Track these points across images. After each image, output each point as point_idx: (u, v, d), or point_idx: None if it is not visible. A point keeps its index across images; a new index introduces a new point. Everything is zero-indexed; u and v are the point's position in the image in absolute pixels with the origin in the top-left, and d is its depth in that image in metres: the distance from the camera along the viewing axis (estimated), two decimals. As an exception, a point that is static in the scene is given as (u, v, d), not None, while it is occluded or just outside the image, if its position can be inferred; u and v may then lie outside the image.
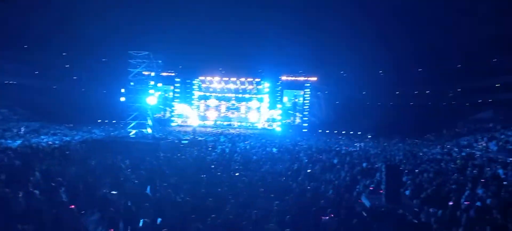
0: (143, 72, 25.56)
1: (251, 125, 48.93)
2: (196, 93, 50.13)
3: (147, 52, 25.22)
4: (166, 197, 10.02)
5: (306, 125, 47.36)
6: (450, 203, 10.81)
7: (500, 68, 42.00)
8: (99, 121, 44.20)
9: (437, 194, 11.77)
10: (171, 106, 49.70)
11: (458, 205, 10.75)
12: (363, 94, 53.24)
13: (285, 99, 49.62)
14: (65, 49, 49.24)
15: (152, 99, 25.28)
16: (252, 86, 49.27)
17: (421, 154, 25.53)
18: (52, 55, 47.81)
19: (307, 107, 48.05)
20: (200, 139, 28.07)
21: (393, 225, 8.45)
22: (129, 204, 9.25)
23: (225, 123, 49.04)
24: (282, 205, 9.45)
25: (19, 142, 22.99)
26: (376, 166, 17.21)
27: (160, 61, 26.39)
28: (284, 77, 48.64)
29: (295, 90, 49.36)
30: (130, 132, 25.57)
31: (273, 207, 9.27)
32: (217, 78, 48.68)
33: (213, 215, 8.27)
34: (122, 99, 26.33)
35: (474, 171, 17.14)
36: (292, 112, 49.46)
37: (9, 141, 22.95)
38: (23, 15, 41.65)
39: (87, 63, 49.01)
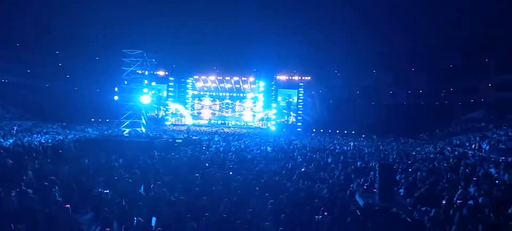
0: (137, 71, 25.40)
1: (245, 124, 48.94)
2: (190, 92, 50.02)
3: (141, 51, 25.07)
4: (160, 196, 9.98)
5: (300, 124, 47.45)
6: (443, 202, 10.89)
7: (491, 68, 42.42)
8: (92, 119, 43.94)
9: (430, 193, 11.85)
10: (165, 105, 49.54)
11: (451, 203, 10.83)
12: (357, 94, 53.47)
13: (279, 98, 49.70)
14: (58, 47, 48.83)
15: (146, 98, 25.13)
16: (247, 86, 49.27)
17: (414, 153, 25.69)
18: (44, 54, 47.39)
19: (301, 106, 48.14)
20: (194, 137, 27.98)
21: (387, 224, 8.49)
22: (123, 203, 9.20)
23: (220, 122, 49.00)
24: (276, 204, 9.46)
25: (11, 140, 22.78)
26: (370, 165, 17.29)
27: (154, 60, 26.23)
28: (278, 77, 48.70)
29: (289, 90, 49.46)
30: (124, 130, 25.42)
31: (267, 206, 9.28)
32: (211, 77, 48.61)
33: (206, 214, 8.26)
34: (116, 98, 26.17)
35: (467, 170, 17.28)
36: (286, 111, 49.55)
37: (1, 140, 22.72)
38: (15, 13, 41.23)
39: (80, 61, 48.64)
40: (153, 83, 28.35)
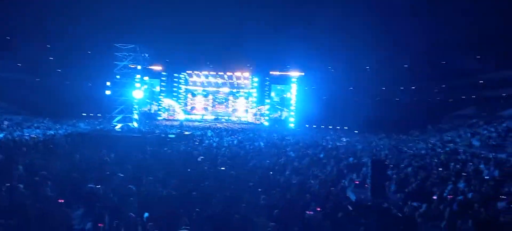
0: (130, 66, 25.24)
1: (238, 119, 48.93)
2: (184, 88, 49.84)
3: (133, 45, 24.91)
4: (152, 191, 9.96)
5: (293, 120, 47.55)
6: (434, 197, 11.02)
7: (483, 65, 42.82)
8: (84, 114, 43.58)
9: (421, 189, 11.98)
10: (158, 100, 49.32)
11: (442, 199, 10.96)
12: (350, 90, 53.66)
13: (273, 94, 49.74)
14: (49, 41, 48.23)
15: (138, 93, 25.02)
16: (240, 81, 49.21)
17: (406, 149, 25.90)
18: (35, 48, 46.74)
19: (294, 102, 48.20)
20: (187, 133, 27.91)
21: (378, 219, 8.57)
22: (115, 198, 9.16)
23: (213, 117, 48.91)
24: (269, 199, 9.49)
25: (1, 135, 22.51)
26: (362, 160, 17.41)
27: (146, 55, 26.09)
28: (272, 72, 48.71)
29: (283, 86, 49.50)
30: (116, 125, 25.27)
31: (260, 201, 9.30)
32: (205, 73, 48.44)
33: (197, 209, 8.26)
34: (108, 92, 26.02)
35: (457, 166, 17.49)
36: (280, 107, 49.62)
37: (-9, 135, 22.45)
38: (5, 6, 40.59)
39: (71, 56, 48.10)
40: (146, 78, 28.19)
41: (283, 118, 49.19)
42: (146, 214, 8.50)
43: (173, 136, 25.04)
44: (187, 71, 48.86)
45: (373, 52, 45.92)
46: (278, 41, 45.97)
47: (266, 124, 46.84)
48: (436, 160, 19.78)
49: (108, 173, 11.79)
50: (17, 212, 7.83)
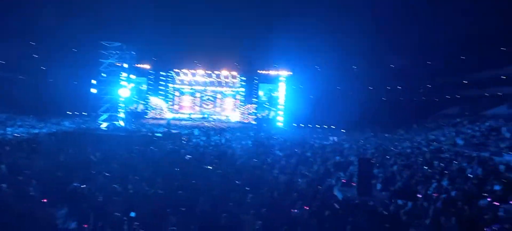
0: (116, 64, 24.93)
1: (226, 118, 48.79)
2: (171, 86, 49.48)
3: (119, 43, 24.61)
4: (139, 190, 9.87)
5: (281, 119, 47.65)
6: (419, 195, 11.18)
7: (466, 66, 43.62)
8: (69, 113, 42.91)
9: (406, 187, 12.13)
10: (144, 99, 48.86)
11: (426, 197, 11.13)
12: (337, 89, 54.02)
13: (260, 93, 49.75)
14: (33, 38, 47.30)
15: (124, 91, 24.74)
16: (228, 80, 49.09)
17: (392, 148, 26.19)
18: (19, 45, 45.79)
19: (282, 101, 48.28)
20: (174, 132, 27.74)
21: (364, 217, 8.65)
22: (100, 198, 9.05)
23: (200, 116, 48.67)
24: (256, 198, 9.49)
25: (-17, 134, 22.04)
26: (349, 159, 17.55)
27: (133, 53, 25.80)
28: (260, 71, 48.70)
29: (270, 84, 49.55)
30: (101, 124, 24.94)
31: (247, 200, 9.30)
32: (192, 71, 48.17)
33: (183, 209, 8.21)
34: (93, 91, 25.65)
35: (442, 164, 17.76)
36: (267, 106, 49.67)
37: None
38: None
39: (56, 53, 47.25)
40: (132, 77, 27.87)
41: (271, 117, 49.23)
42: (132, 214, 8.42)
43: (160, 135, 24.87)
44: (175, 70, 48.50)
45: (360, 52, 46.37)
46: (266, 40, 46.00)
47: (254, 122, 46.84)
48: (421, 159, 20.04)
49: (93, 172, 11.65)
50: (0, 211, 7.67)
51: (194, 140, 23.84)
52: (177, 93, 49.96)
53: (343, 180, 12.78)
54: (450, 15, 37.21)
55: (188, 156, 16.49)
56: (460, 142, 28.24)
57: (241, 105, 49.13)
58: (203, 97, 49.86)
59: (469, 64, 43.03)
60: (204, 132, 30.20)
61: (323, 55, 48.75)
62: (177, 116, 48.51)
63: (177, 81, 49.72)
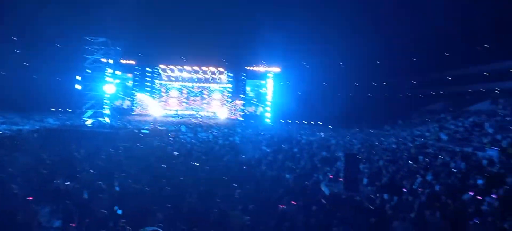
0: (101, 60, 24.52)
1: (213, 115, 48.62)
2: (157, 82, 49.04)
3: (104, 39, 24.20)
4: (125, 187, 9.76)
5: (269, 115, 47.72)
6: (404, 190, 11.33)
7: (450, 62, 44.35)
8: (53, 109, 42.17)
9: (392, 182, 12.29)
10: (130, 95, 48.32)
11: (411, 191, 11.29)
12: (324, 86, 54.33)
13: (248, 89, 49.69)
14: (15, 33, 46.24)
15: (110, 87, 24.37)
16: (215, 76, 48.88)
17: (377, 143, 26.50)
18: (0, 40, 44.71)
19: (270, 97, 48.33)
20: (161, 128, 27.51)
21: (351, 212, 8.73)
22: (85, 195, 8.92)
23: (187, 113, 48.38)
24: (243, 193, 9.48)
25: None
26: (336, 155, 17.69)
27: (118, 48, 25.41)
28: (247, 67, 48.62)
29: (258, 81, 49.51)
30: (86, 121, 24.55)
31: (235, 196, 9.29)
32: (179, 67, 47.78)
33: (168, 205, 8.16)
34: (78, 87, 25.20)
35: (426, 160, 18.05)
36: (255, 102, 49.66)
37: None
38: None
39: (39, 48, 46.29)
40: (118, 72, 27.48)
41: (258, 113, 49.26)
42: (119, 211, 8.33)
43: (146, 131, 24.62)
44: (161, 66, 48.04)
45: (346, 49, 46.67)
46: (254, 36, 45.88)
47: (241, 119, 46.81)
48: (406, 154, 20.34)
49: (78, 169, 11.48)
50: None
51: (181, 137, 23.68)
52: (163, 89, 49.56)
53: (330, 176, 12.87)
54: (434, 13, 37.69)
55: (175, 152, 16.40)
56: (444, 137, 28.75)
57: (229, 101, 48.99)
58: (190, 94, 49.56)
59: (453, 61, 43.75)
60: (191, 129, 30.05)
61: (310, 52, 48.89)
62: (163, 112, 48.15)
63: (164, 78, 49.32)
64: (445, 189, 11.47)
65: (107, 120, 24.94)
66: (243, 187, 10.09)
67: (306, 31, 44.46)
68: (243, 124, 41.87)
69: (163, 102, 49.47)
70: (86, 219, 7.83)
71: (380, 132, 37.92)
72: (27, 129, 24.18)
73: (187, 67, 47.71)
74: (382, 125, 42.03)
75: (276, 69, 48.39)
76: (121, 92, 46.36)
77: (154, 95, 48.72)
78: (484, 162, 17.67)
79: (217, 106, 49.40)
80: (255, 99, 49.74)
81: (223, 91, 49.49)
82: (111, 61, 24.88)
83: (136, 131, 24.29)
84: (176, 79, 49.32)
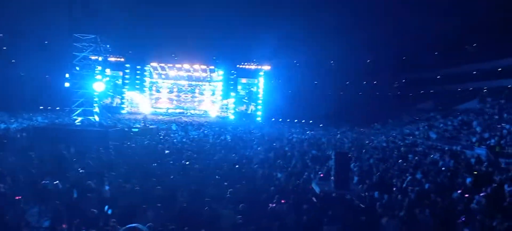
0: (90, 57, 24.22)
1: (204, 113, 48.45)
2: (148, 80, 48.66)
3: (94, 36, 23.89)
4: (115, 186, 9.69)
5: (259, 113, 47.73)
6: (394, 188, 11.43)
7: (440, 61, 44.87)
8: (41, 107, 41.60)
9: (382, 180, 12.38)
10: (120, 93, 47.87)
11: (401, 189, 11.39)
12: (315, 84, 54.54)
13: (239, 87, 49.59)
14: (2, 30, 45.48)
15: (99, 85, 24.08)
16: (206, 74, 48.69)
17: (367, 141, 26.66)
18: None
19: (260, 96, 48.33)
20: (151, 127, 27.34)
21: (341, 210, 8.77)
22: (74, 195, 8.83)
23: (178, 111, 48.13)
24: (234, 192, 9.48)
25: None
26: (327, 153, 17.75)
27: (108, 46, 25.12)
28: (238, 66, 48.54)
29: (249, 79, 49.45)
30: (76, 119, 24.26)
31: (226, 195, 9.27)
32: (169, 65, 47.44)
33: (159, 204, 8.12)
34: (67, 85, 24.87)
35: (416, 158, 18.21)
36: (246, 100, 49.59)
37: None
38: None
39: (27, 45, 45.57)
40: (108, 70, 27.21)
41: (249, 111, 49.22)
42: (109, 211, 8.27)
43: (136, 130, 24.44)
44: (151, 64, 47.66)
45: (337, 48, 46.91)
46: (245, 34, 45.86)
47: (232, 117, 46.75)
48: (396, 152, 20.51)
49: (67, 168, 11.35)
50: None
51: (172, 135, 23.56)
52: (154, 87, 49.22)
53: (320, 174, 12.90)
54: (423, 12, 38.10)
55: (166, 151, 16.32)
56: (433, 135, 29.06)
57: (220, 99, 48.85)
58: (181, 92, 49.30)
59: (442, 60, 44.28)
60: (182, 127, 29.91)
61: (301, 51, 49.04)
62: (154, 110, 47.84)
63: (154, 75, 48.98)
64: (434, 187, 11.59)
65: (96, 118, 24.66)
66: (234, 185, 10.08)
67: (297, 29, 44.55)
68: (234, 122, 41.82)
69: (154, 101, 49.14)
70: (76, 218, 7.74)
71: (370, 131, 38.17)
72: (15, 127, 23.84)
73: (178, 65, 47.40)
74: (372, 123, 42.32)
75: (267, 67, 48.41)
76: (111, 90, 45.91)
77: (144, 94, 48.35)
78: (472, 160, 17.92)
79: (208, 104, 49.23)
80: (246, 98, 49.67)
81: (214, 90, 49.32)
82: (100, 58, 24.60)
83: (127, 130, 24.08)
84: (167, 77, 49.00)
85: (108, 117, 34.06)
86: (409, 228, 8.34)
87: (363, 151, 20.43)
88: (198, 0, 43.90)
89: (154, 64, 47.54)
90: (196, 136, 23.85)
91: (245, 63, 48.37)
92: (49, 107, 41.92)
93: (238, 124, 38.14)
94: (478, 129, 26.75)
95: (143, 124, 28.18)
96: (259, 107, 47.70)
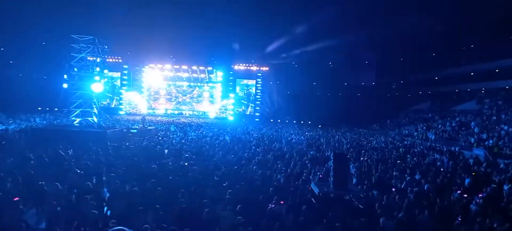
0: (88, 58, 24.17)
1: (203, 114, 48.43)
2: (146, 81, 48.62)
3: (92, 37, 23.85)
4: (114, 188, 9.66)
5: (258, 114, 47.74)
6: (393, 189, 11.43)
7: (438, 62, 44.99)
8: (39, 108, 41.51)
9: (381, 181, 12.38)
10: (118, 94, 47.82)
11: (400, 190, 11.39)
12: (313, 85, 54.59)
13: (237, 89, 49.63)
14: (0, 31, 45.35)
15: (97, 86, 24.01)
16: (204, 75, 48.69)
17: (365, 142, 26.70)
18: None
19: (259, 97, 48.38)
20: (149, 128, 27.28)
21: (340, 211, 8.76)
22: (72, 196, 8.80)
23: (176, 112, 48.11)
24: (233, 193, 9.47)
25: None
26: (325, 154, 17.76)
27: (106, 47, 25.07)
28: (236, 67, 48.57)
29: (247, 80, 49.50)
30: (74, 120, 24.21)
31: (224, 196, 9.26)
32: (168, 66, 47.42)
33: (157, 206, 8.10)
34: (65, 86, 24.80)
35: (414, 159, 18.24)
36: (245, 102, 49.62)
37: None
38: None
39: (24, 46, 45.47)
40: (106, 71, 27.12)
41: (248, 112, 49.25)
42: (108, 212, 8.24)
43: (135, 131, 24.38)
44: (150, 65, 47.64)
45: (335, 49, 46.97)
46: (244, 36, 45.87)
47: (231, 118, 46.74)
48: (394, 153, 20.54)
49: (65, 169, 11.31)
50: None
51: (170, 136, 23.52)
52: (152, 88, 49.17)
53: (319, 175, 12.90)
54: (422, 14, 38.14)
55: (164, 152, 16.29)
56: (431, 136, 29.12)
57: (219, 100, 48.86)
58: (180, 93, 49.28)
59: (440, 61, 44.39)
60: (180, 128, 29.86)
61: (300, 52, 49.08)
62: (152, 111, 47.81)
63: (153, 76, 48.93)
64: (433, 188, 11.61)
65: (95, 119, 24.61)
66: (233, 186, 10.07)
67: (295, 31, 44.59)
68: (233, 123, 41.81)
69: (152, 102, 49.09)
70: (74, 220, 7.71)
71: (369, 131, 38.24)
72: (13, 128, 23.77)
73: (176, 66, 47.39)
74: (371, 124, 42.39)
75: (266, 68, 48.46)
76: (109, 92, 45.89)
77: (142, 95, 48.31)
78: (471, 161, 17.97)
79: (207, 105, 49.21)
80: (245, 99, 49.69)
81: (213, 91, 49.32)
82: (98, 59, 24.54)
83: (125, 131, 24.03)
84: (166, 78, 48.97)
85: (106, 118, 34.00)
86: (408, 229, 8.33)
87: (362, 151, 20.46)
88: (197, 1, 43.83)
89: (152, 65, 47.51)
90: (195, 137, 23.82)
91: (244, 64, 48.41)
92: (47, 109, 41.84)
93: (237, 125, 38.14)
94: (476, 130, 26.82)
95: (141, 125, 28.12)
96: (258, 108, 47.71)
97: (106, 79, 33.11)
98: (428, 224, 8.56)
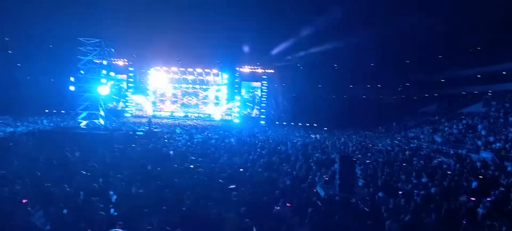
0: (94, 60, 24.37)
1: (208, 117, 48.53)
2: (152, 84, 48.85)
3: (98, 40, 24.06)
4: (120, 189, 9.71)
5: (263, 117, 47.73)
6: (400, 192, 11.37)
7: (444, 64, 44.71)
8: (46, 111, 41.87)
9: (387, 184, 12.32)
10: (125, 96, 48.09)
11: (406, 193, 11.33)
12: (319, 88, 54.48)
13: (243, 91, 49.68)
14: (8, 34, 45.86)
15: (104, 88, 24.20)
16: (210, 78, 48.80)
17: (371, 145, 26.60)
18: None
19: (264, 99, 48.39)
20: (155, 130, 27.40)
21: (346, 214, 8.73)
22: (79, 198, 8.86)
23: (182, 114, 48.26)
24: (239, 195, 9.47)
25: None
26: (331, 157, 17.71)
27: (112, 50, 25.27)
28: (242, 69, 48.65)
29: (253, 82, 49.54)
30: (81, 122, 24.40)
31: (231, 198, 9.27)
32: (173, 69, 47.63)
33: (164, 207, 8.13)
34: (72, 88, 25.00)
35: (421, 162, 18.13)
36: (250, 104, 49.65)
37: None
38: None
39: (32, 49, 45.93)
40: (112, 74, 27.31)
41: (253, 115, 49.28)
42: (115, 213, 8.28)
43: (141, 133, 24.50)
44: (156, 67, 47.88)
45: (340, 51, 46.84)
46: (249, 38, 45.90)
47: (237, 121, 46.79)
48: (401, 156, 20.44)
49: (72, 171, 11.39)
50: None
51: (176, 138, 23.61)
52: (158, 91, 49.37)
53: (325, 177, 12.87)
54: (428, 15, 37.97)
55: (170, 154, 16.35)
56: (438, 139, 28.93)
57: (224, 103, 48.93)
58: (185, 95, 49.43)
59: (446, 63, 44.11)
60: (186, 130, 29.97)
61: (305, 54, 49.03)
62: (158, 114, 47.99)
63: (158, 79, 49.14)
64: (439, 191, 11.53)
65: (101, 121, 24.78)
66: (238, 189, 10.08)
67: (300, 33, 44.57)
68: (239, 125, 41.86)
69: (158, 104, 49.29)
70: (81, 221, 7.76)
71: (375, 134, 38.08)
72: (21, 131, 23.98)
73: (182, 69, 47.58)
74: (377, 127, 42.21)
75: (271, 71, 48.48)
76: (115, 94, 46.15)
77: (148, 97, 48.53)
78: (478, 164, 17.82)
79: (212, 108, 49.31)
80: (250, 102, 49.73)
81: (219, 93, 49.41)
82: (105, 62, 24.73)
83: (131, 133, 24.16)
84: (171, 81, 49.15)
85: (113, 120, 34.22)
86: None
87: (369, 154, 20.38)
88: (202, 4, 44.01)
89: (158, 67, 47.74)
90: (200, 139, 23.88)
91: (249, 67, 48.48)
92: (54, 111, 42.19)
93: (243, 127, 38.17)
94: (483, 133, 26.60)
95: (147, 127, 28.25)
96: (263, 110, 47.70)
97: (112, 82, 33.34)
98: (435, 227, 8.50)
